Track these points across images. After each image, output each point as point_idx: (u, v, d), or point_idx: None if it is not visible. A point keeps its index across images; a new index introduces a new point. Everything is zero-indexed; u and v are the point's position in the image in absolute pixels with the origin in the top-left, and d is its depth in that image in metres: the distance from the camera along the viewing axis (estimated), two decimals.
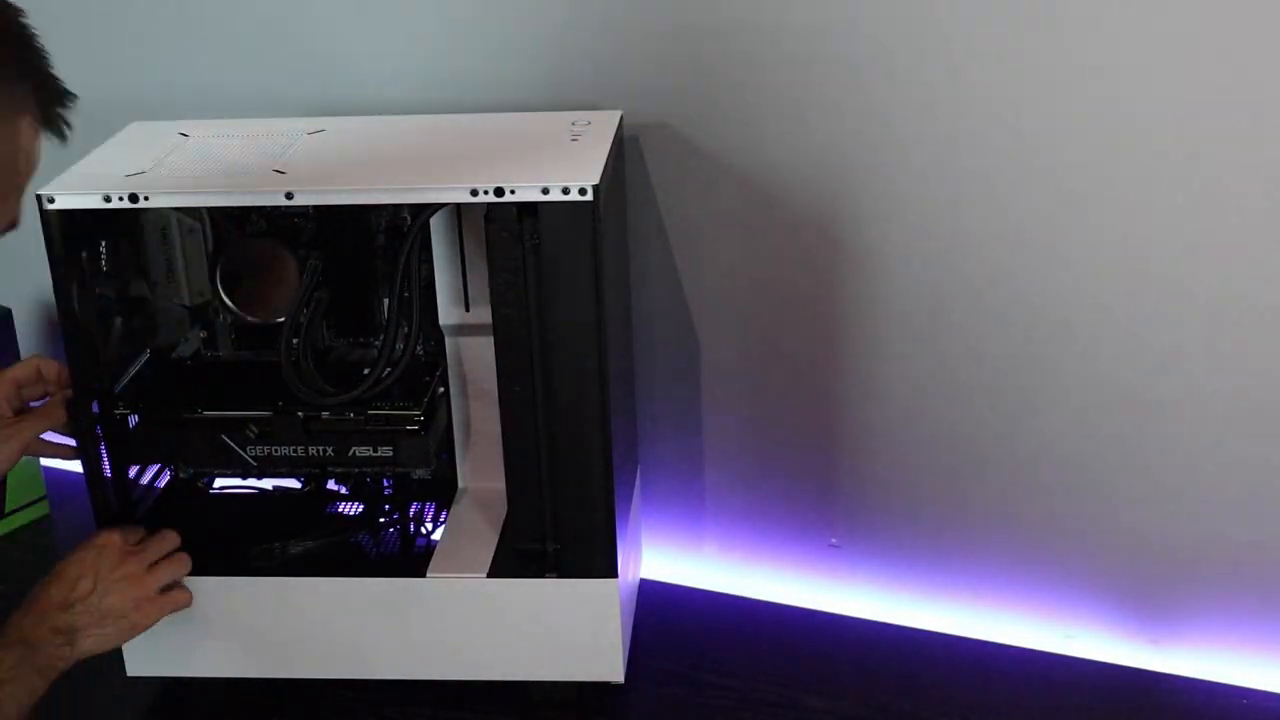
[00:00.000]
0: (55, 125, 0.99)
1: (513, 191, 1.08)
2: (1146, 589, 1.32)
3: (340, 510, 1.33)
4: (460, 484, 1.33)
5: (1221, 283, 1.19)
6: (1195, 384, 1.23)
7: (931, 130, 1.24)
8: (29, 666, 1.09)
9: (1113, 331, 1.25)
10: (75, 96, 0.99)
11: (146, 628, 1.18)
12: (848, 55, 1.24)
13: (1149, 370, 1.24)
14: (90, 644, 1.14)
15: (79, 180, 1.15)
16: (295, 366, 1.21)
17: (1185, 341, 1.22)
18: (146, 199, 1.11)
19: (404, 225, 1.23)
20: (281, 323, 1.23)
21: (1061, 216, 1.22)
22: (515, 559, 1.22)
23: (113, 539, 1.18)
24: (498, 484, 1.23)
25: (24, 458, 1.24)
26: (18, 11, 0.95)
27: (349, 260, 1.26)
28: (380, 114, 1.33)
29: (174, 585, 1.21)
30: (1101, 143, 1.19)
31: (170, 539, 1.22)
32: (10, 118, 0.96)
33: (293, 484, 1.35)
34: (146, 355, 1.30)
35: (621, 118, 1.26)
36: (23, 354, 1.55)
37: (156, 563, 1.20)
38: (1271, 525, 1.26)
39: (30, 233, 1.14)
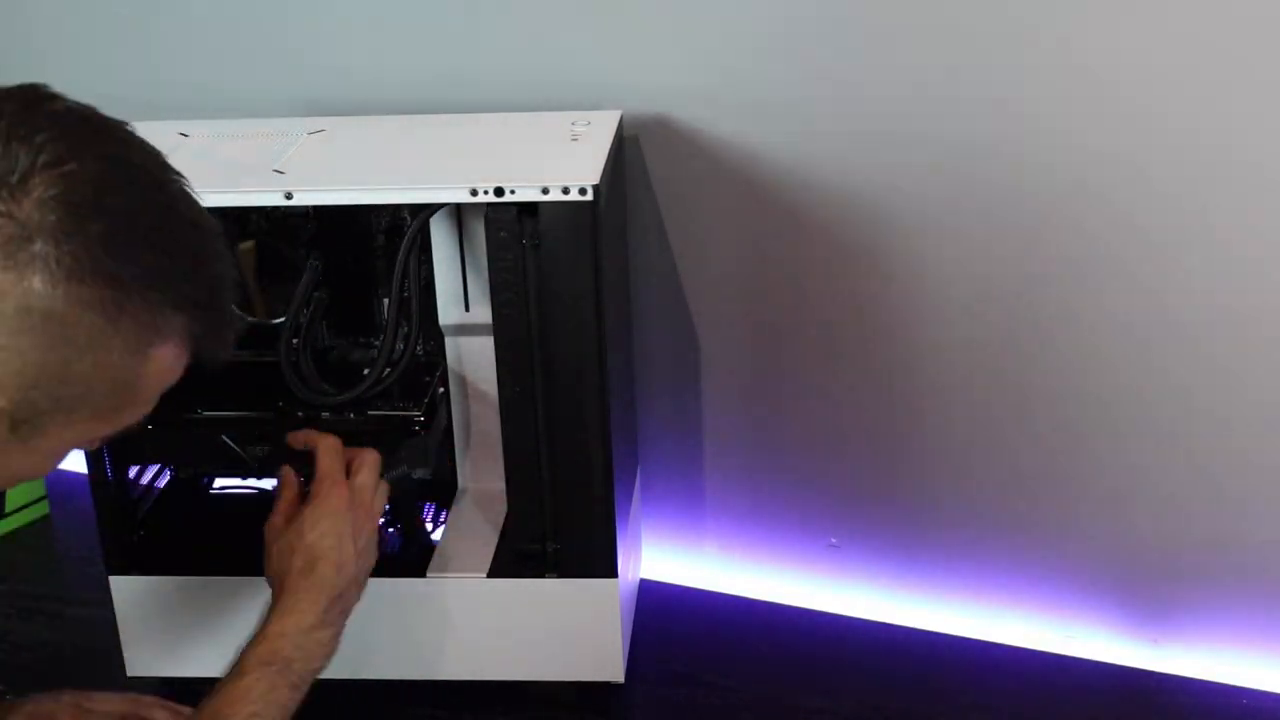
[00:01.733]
0: (202, 361, 0.83)
1: (513, 191, 1.08)
2: (1146, 589, 1.32)
3: None
4: (460, 484, 1.33)
5: (1224, 285, 1.19)
6: (1196, 384, 1.23)
7: (933, 130, 1.23)
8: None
9: (1113, 332, 1.24)
10: (237, 335, 0.84)
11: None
12: (848, 54, 1.24)
13: (1149, 370, 1.24)
14: (355, 595, 1.11)
15: None
16: (295, 366, 1.21)
17: (1186, 342, 1.22)
18: None
19: (404, 225, 1.23)
20: (281, 323, 1.23)
21: (1060, 216, 1.22)
22: (515, 559, 1.22)
23: (344, 494, 1.11)
24: (498, 484, 1.23)
25: None
26: (214, 226, 0.82)
27: (349, 260, 1.26)
28: (380, 114, 1.33)
29: None
30: (1100, 143, 1.18)
31: (369, 456, 1.16)
32: (142, 343, 0.78)
33: None
34: None
35: (621, 118, 1.26)
36: None
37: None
38: (1271, 525, 1.25)
39: None
